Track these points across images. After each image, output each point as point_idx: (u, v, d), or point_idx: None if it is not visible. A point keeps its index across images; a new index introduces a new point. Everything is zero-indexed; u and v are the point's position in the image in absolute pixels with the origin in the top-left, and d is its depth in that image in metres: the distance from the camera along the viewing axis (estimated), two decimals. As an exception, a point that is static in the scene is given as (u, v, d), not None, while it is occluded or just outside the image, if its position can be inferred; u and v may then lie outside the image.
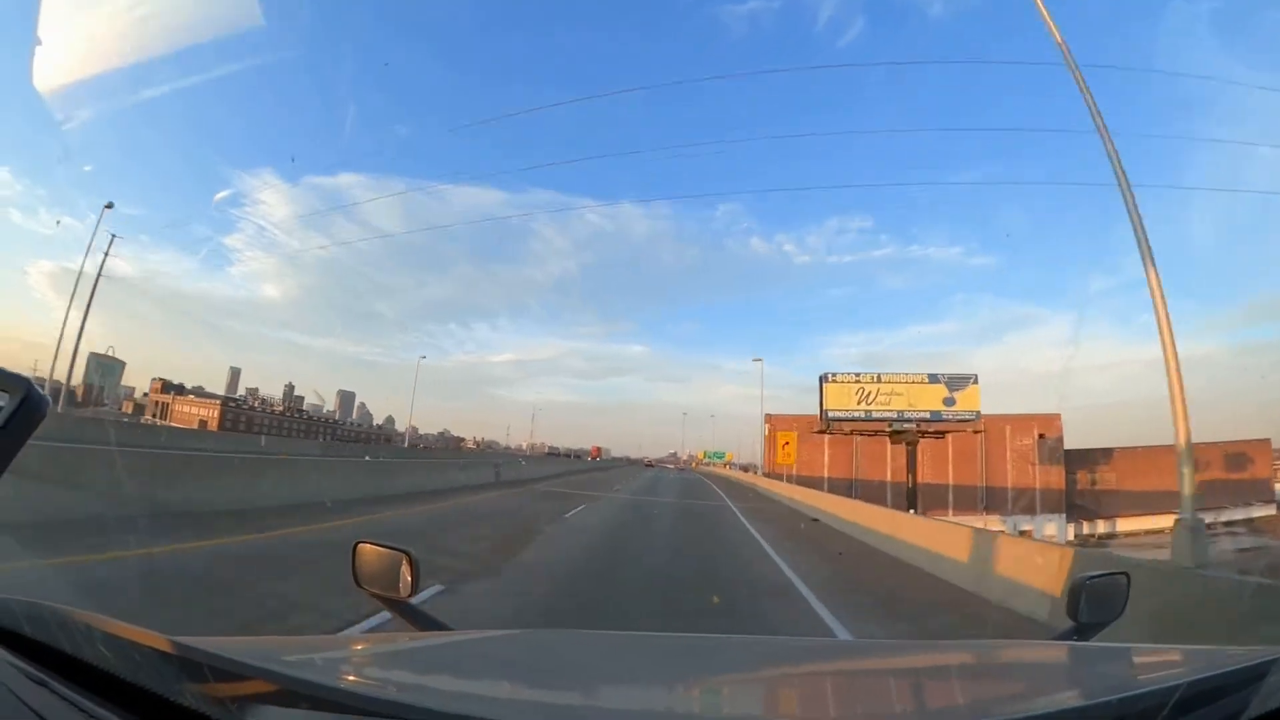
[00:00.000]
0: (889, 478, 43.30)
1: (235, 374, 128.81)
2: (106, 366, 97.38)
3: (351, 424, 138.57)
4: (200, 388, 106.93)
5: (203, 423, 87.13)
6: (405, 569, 1.85)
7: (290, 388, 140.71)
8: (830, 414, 39.76)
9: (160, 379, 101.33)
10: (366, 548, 1.88)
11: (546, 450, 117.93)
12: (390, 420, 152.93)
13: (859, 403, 39.54)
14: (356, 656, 1.63)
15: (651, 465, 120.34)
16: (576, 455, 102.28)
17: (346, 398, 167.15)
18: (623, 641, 2.13)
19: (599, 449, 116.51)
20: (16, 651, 0.97)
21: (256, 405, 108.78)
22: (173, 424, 72.33)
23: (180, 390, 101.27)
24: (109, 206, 30.63)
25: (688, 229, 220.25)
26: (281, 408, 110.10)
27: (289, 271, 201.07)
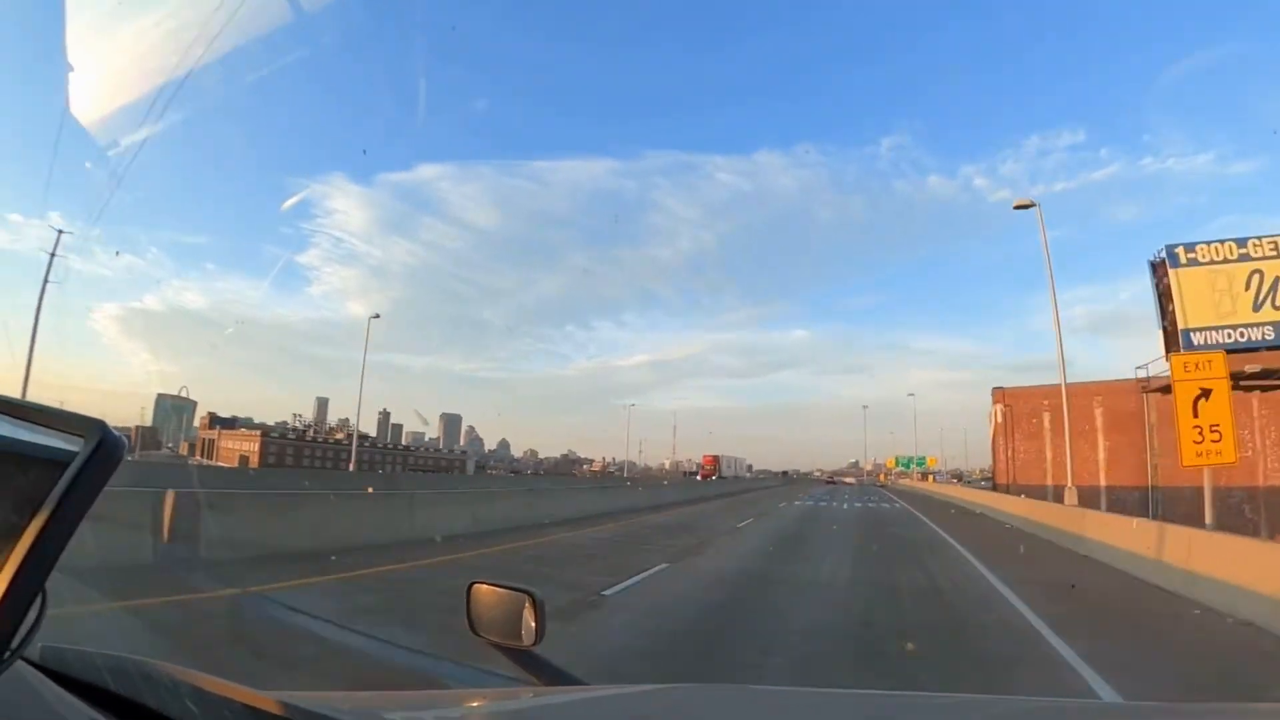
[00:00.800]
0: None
1: (323, 404, 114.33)
2: (177, 407, 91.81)
3: (428, 448, 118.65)
4: (249, 419, 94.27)
5: (244, 459, 76.65)
6: (529, 612, 1.60)
7: (385, 415, 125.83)
8: (1192, 335, 20.30)
9: (210, 413, 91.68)
10: (483, 589, 1.65)
11: (683, 473, 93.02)
12: (504, 444, 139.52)
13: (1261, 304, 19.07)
14: (473, 715, 1.38)
15: (833, 482, 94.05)
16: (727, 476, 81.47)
17: (451, 422, 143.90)
18: (792, 701, 1.76)
19: (714, 460, 75.63)
20: (100, 707, 0.96)
21: (310, 434, 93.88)
22: (219, 462, 67.50)
23: (230, 424, 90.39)
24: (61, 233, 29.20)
25: (846, 175, 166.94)
26: (339, 433, 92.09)
27: (375, 285, 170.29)
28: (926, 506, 30.37)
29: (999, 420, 34.34)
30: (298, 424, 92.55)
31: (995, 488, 33.27)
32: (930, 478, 76.15)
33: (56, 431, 0.81)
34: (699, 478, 62.58)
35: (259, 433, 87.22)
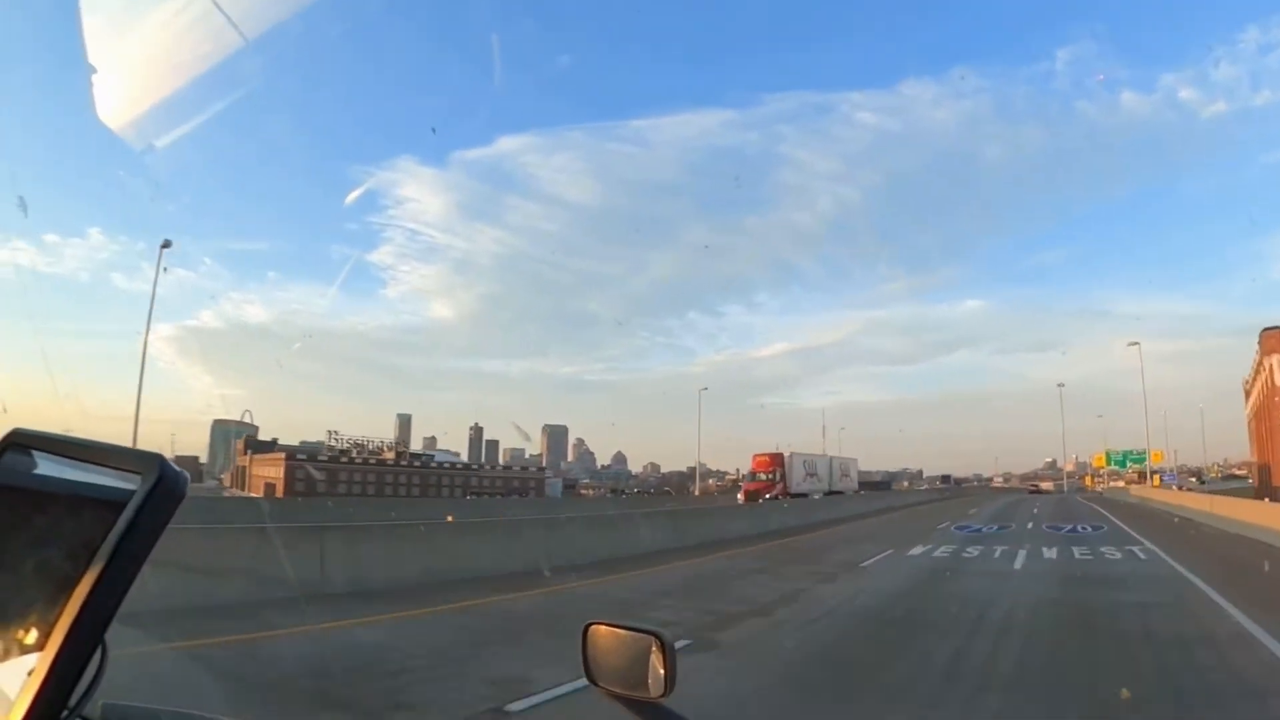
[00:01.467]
0: None
1: (404, 422, 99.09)
2: (235, 432, 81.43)
3: (528, 466, 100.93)
4: (274, 440, 78.62)
5: (270, 486, 65.87)
6: (656, 657, 1.37)
7: (477, 430, 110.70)
8: None
9: (248, 436, 78.32)
10: (602, 630, 1.43)
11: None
12: (620, 458, 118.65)
13: None
14: None
15: (1035, 490, 75.64)
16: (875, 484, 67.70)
17: (555, 435, 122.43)
18: None
19: (774, 461, 48.34)
20: None
21: (354, 454, 77.55)
22: (250, 492, 60.11)
23: (267, 448, 76.90)
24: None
25: (1015, 100, 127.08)
26: (388, 453, 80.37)
27: (460, 281, 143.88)
28: (1203, 550, 15.14)
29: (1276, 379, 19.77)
30: (334, 442, 79.07)
31: (1262, 491, 20.13)
32: (1155, 478, 53.38)
33: (111, 470, 0.77)
34: (741, 498, 42.57)
35: (283, 455, 72.70)
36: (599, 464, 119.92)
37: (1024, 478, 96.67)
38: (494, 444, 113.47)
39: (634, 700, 1.39)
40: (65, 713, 0.70)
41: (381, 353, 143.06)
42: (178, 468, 0.74)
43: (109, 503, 0.73)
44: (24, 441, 0.92)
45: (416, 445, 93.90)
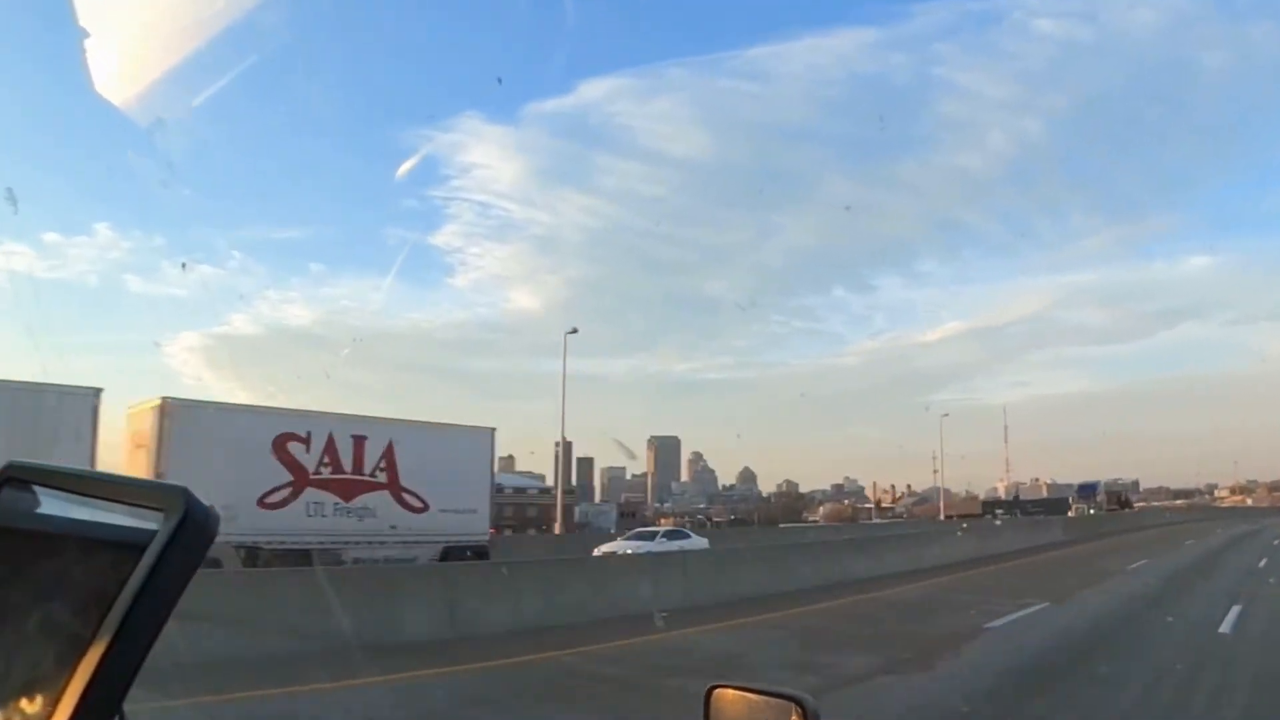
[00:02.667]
0: None
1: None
2: None
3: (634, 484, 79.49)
4: None
5: None
6: (795, 730, 1.14)
7: (564, 446, 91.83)
8: None
9: None
10: (728, 694, 1.22)
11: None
12: (748, 475, 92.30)
13: None
14: None
15: None
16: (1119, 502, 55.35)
17: (665, 449, 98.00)
18: None
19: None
20: None
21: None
22: None
23: None
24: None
25: None
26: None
27: (544, 263, 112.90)
28: None
29: None
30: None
31: None
32: None
33: (128, 506, 0.69)
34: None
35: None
36: (720, 484, 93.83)
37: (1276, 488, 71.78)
38: (587, 462, 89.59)
39: None
40: None
41: (449, 355, 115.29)
42: (206, 503, 0.66)
43: (126, 545, 0.65)
44: (23, 475, 0.82)
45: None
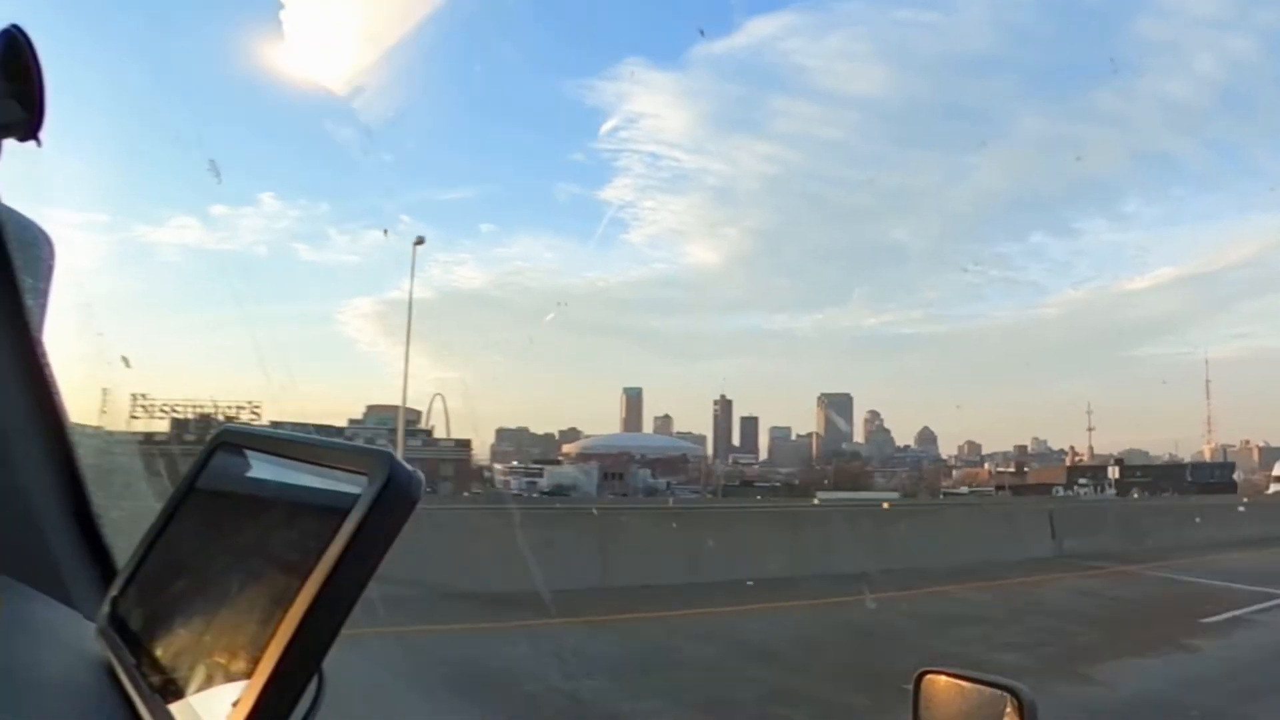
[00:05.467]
0: None
1: (633, 398, 79.88)
2: (384, 422, 60.45)
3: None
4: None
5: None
6: (1011, 718, 1.11)
7: (724, 404, 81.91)
8: None
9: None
10: (940, 680, 1.19)
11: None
12: (928, 436, 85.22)
13: None
14: None
15: None
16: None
17: (837, 409, 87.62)
18: None
19: None
20: None
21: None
22: None
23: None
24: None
25: None
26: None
27: (721, 216, 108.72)
28: None
29: None
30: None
31: None
32: None
33: (334, 470, 0.67)
34: None
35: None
36: (899, 444, 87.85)
37: None
38: (751, 421, 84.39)
39: None
40: None
41: (623, 313, 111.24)
42: (411, 468, 0.63)
43: (331, 509, 0.63)
44: (235, 440, 0.86)
45: (647, 426, 76.34)
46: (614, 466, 60.41)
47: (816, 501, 32.99)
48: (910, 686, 1.18)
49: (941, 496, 45.67)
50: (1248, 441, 76.99)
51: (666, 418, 79.27)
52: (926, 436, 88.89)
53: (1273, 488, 36.42)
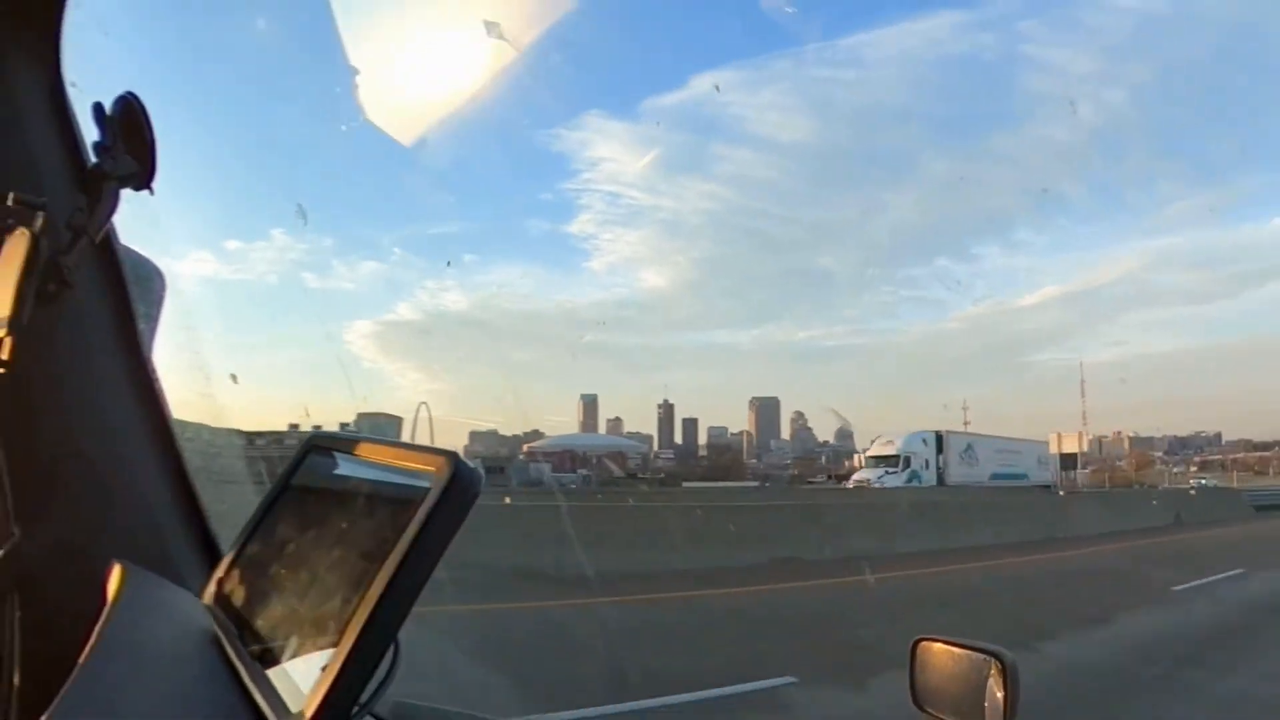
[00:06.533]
0: None
1: (588, 404, 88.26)
2: (377, 427, 70.86)
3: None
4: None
5: None
6: (995, 680, 1.25)
7: (666, 408, 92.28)
8: None
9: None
10: (934, 647, 1.32)
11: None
12: (844, 433, 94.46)
13: None
14: None
15: None
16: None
17: (765, 410, 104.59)
18: None
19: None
20: None
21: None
22: None
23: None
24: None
25: None
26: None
27: (671, 245, 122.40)
28: None
29: None
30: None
31: None
32: None
33: (406, 468, 0.76)
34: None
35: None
36: (820, 440, 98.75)
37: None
38: (692, 422, 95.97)
39: None
40: (356, 709, 0.68)
41: (592, 330, 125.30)
42: (472, 464, 0.71)
43: (404, 501, 0.71)
44: (324, 444, 0.98)
45: (602, 428, 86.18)
46: (559, 462, 65.57)
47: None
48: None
49: (801, 486, 46.14)
50: (1119, 432, 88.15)
51: (618, 419, 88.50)
52: (844, 434, 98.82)
53: (863, 474, 34.55)
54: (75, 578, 1.00)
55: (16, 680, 0.98)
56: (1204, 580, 11.89)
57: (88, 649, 0.78)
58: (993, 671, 1.25)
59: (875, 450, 34.57)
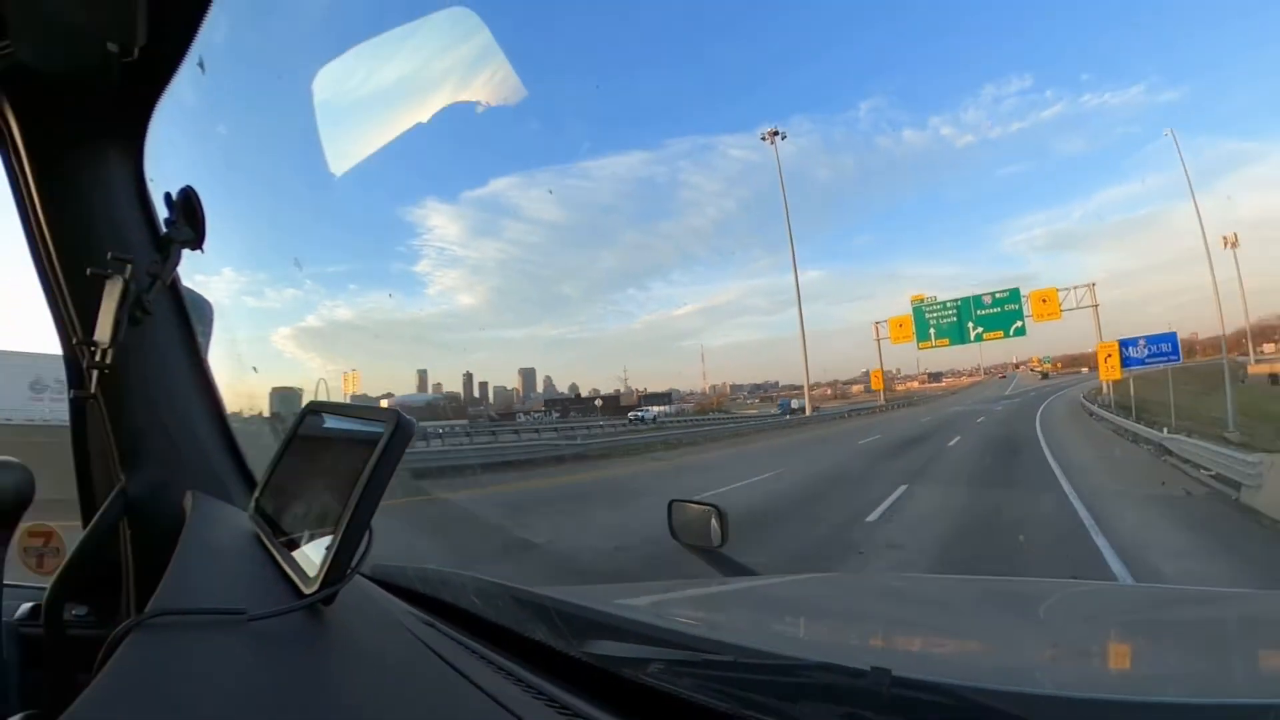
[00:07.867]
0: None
1: (422, 376, 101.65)
2: (284, 397, 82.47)
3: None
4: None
5: None
6: (716, 521, 2.00)
7: (468, 376, 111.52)
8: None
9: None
10: (681, 504, 2.07)
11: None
12: (574, 388, 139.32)
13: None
14: (677, 600, 1.72)
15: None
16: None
17: (528, 375, 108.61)
18: (933, 587, 2.13)
19: None
20: (413, 604, 1.32)
21: None
22: None
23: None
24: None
25: (834, 137, 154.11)
26: None
27: (476, 280, 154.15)
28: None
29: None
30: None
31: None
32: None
33: (369, 421, 1.00)
34: None
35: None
36: (559, 392, 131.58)
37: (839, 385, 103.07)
38: (484, 385, 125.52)
39: (701, 549, 2.03)
40: (349, 570, 0.90)
41: (432, 331, 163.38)
42: (409, 417, 0.92)
43: (368, 442, 0.92)
44: (318, 408, 1.31)
45: (430, 391, 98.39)
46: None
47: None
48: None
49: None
50: (725, 383, 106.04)
51: (439, 384, 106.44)
52: (573, 388, 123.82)
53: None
54: (163, 506, 1.31)
55: (132, 582, 1.30)
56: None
57: (175, 552, 1.05)
58: (714, 515, 2.00)
59: None
